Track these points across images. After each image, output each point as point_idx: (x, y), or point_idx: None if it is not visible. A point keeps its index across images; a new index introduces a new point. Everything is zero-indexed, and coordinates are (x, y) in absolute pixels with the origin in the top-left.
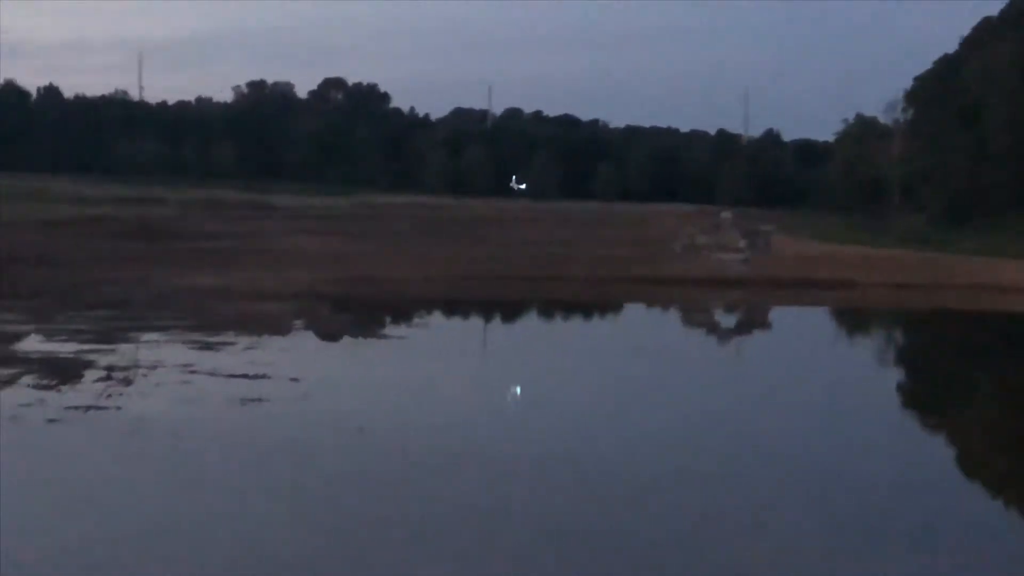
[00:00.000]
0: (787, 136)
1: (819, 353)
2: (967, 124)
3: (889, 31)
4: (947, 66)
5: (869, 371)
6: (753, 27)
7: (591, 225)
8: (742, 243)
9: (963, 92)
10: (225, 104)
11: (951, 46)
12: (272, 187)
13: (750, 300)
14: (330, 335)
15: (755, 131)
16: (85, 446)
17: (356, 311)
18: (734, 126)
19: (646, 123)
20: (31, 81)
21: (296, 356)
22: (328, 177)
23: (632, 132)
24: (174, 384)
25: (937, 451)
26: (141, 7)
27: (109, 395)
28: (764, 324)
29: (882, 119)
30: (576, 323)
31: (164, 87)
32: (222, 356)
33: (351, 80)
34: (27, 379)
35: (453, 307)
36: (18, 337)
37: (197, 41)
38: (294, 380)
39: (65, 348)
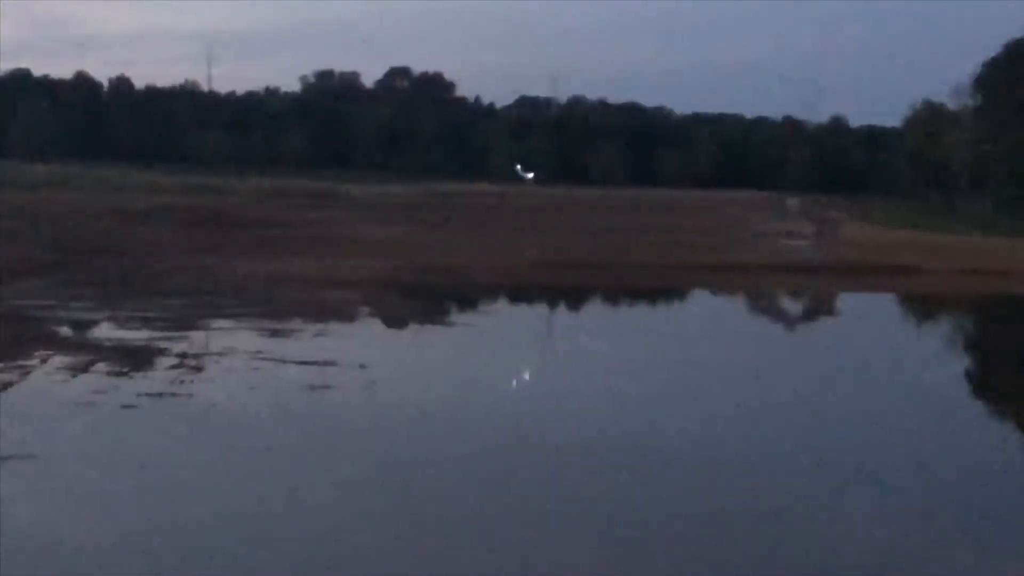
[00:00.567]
0: (854, 122)
1: (891, 339)
2: None
3: (957, 15)
4: (1016, 51)
5: (942, 357)
6: (819, 13)
7: (657, 212)
8: (809, 229)
9: None
10: (293, 94)
11: (1021, 30)
12: (339, 176)
13: (818, 286)
14: (397, 322)
15: (821, 117)
16: (158, 432)
17: (423, 298)
18: (800, 112)
19: (711, 110)
20: (103, 73)
21: (364, 343)
22: (394, 166)
23: (697, 119)
24: (244, 371)
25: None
26: None
27: (181, 382)
28: (834, 310)
29: (950, 105)
30: (643, 310)
31: (233, 78)
32: (291, 343)
33: (417, 69)
34: (101, 366)
35: (519, 294)
36: (92, 324)
37: (265, 32)
38: (362, 367)
39: (138, 335)
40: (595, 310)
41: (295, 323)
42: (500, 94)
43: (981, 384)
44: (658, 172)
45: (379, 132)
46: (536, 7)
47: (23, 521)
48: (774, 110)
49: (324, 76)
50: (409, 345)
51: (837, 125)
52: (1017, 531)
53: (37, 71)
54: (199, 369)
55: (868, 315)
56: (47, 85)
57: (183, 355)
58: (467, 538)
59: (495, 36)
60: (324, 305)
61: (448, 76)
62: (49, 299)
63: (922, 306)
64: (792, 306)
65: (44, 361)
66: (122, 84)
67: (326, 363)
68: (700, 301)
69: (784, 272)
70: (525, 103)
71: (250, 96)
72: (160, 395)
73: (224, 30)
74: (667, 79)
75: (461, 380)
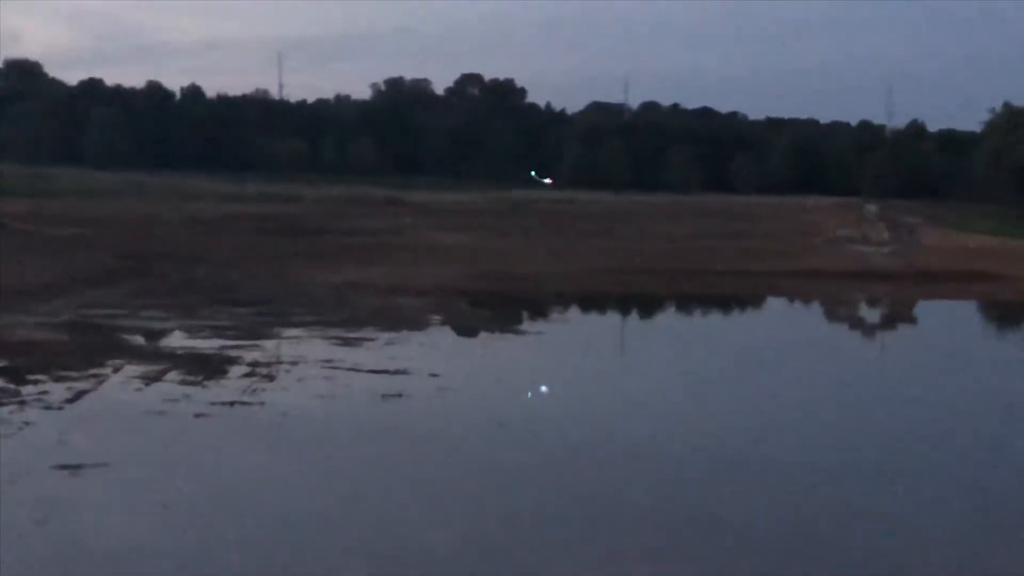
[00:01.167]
0: (931, 126)
1: (977, 349)
2: None
3: None
4: None
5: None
6: (895, 16)
7: (731, 218)
8: (887, 235)
9: None
10: (363, 101)
11: None
12: (410, 183)
13: (896, 293)
14: (468, 330)
15: (898, 122)
16: (230, 441)
17: (494, 306)
18: (876, 117)
19: (785, 115)
20: (174, 81)
21: (435, 351)
22: (465, 172)
23: (771, 124)
24: (316, 379)
25: None
26: (280, 7)
27: (253, 390)
28: (914, 318)
29: None
30: (716, 318)
31: (304, 85)
32: (362, 351)
33: (488, 76)
34: (173, 375)
35: (591, 302)
36: (164, 333)
37: (336, 39)
38: (434, 375)
39: (209, 344)
40: (668, 318)
41: (366, 331)
42: (572, 100)
43: None
44: (732, 178)
45: (450, 139)
46: (608, 11)
47: (96, 528)
48: (850, 114)
49: (394, 83)
50: (480, 354)
51: (915, 129)
52: None
53: (109, 80)
54: (271, 378)
55: (949, 323)
56: (120, 94)
57: (255, 364)
58: (533, 544)
59: (567, 41)
60: (395, 313)
61: (519, 82)
62: (122, 308)
63: (1003, 314)
64: (871, 314)
65: (117, 370)
66: (194, 93)
67: (397, 372)
68: (776, 309)
69: (861, 279)
70: (597, 109)
71: (320, 104)
72: (232, 404)
73: (295, 38)
74: (741, 83)
75: (533, 389)
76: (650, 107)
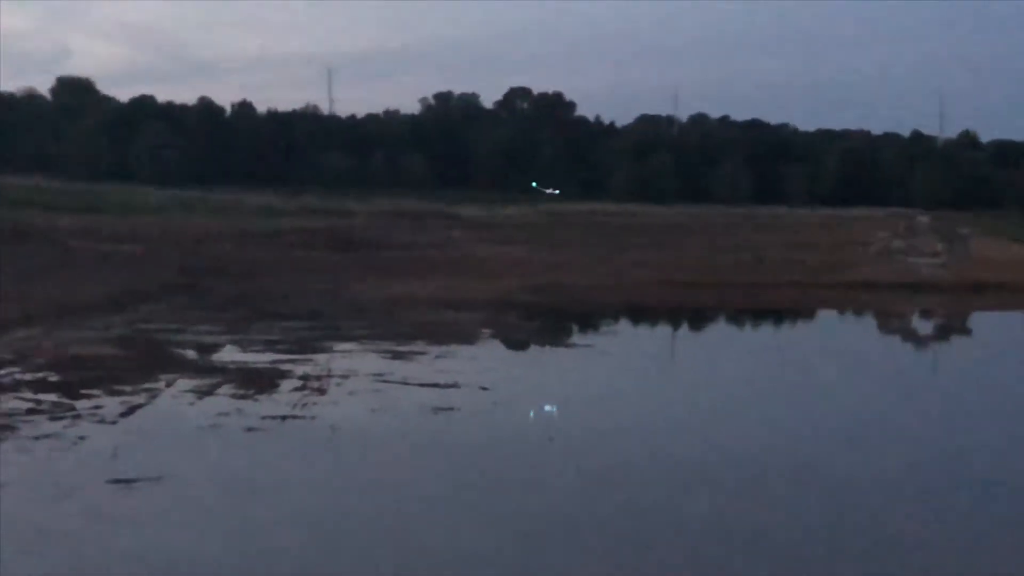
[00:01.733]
0: (985, 136)
1: None
2: None
3: None
4: None
5: None
6: (947, 25)
7: (782, 229)
8: (940, 247)
9: None
10: (412, 116)
11: None
12: (459, 197)
13: (949, 305)
14: (518, 344)
15: (951, 132)
16: (282, 455)
17: (544, 319)
18: (929, 127)
19: (836, 126)
20: (225, 98)
21: (485, 365)
22: (514, 186)
23: (822, 135)
24: (367, 393)
25: None
26: (330, 23)
27: (304, 404)
28: (967, 330)
29: None
30: (767, 330)
31: (353, 100)
32: (413, 365)
33: (536, 89)
34: (225, 389)
35: (641, 314)
36: (216, 347)
37: (385, 54)
38: (484, 389)
39: (261, 358)
40: (719, 330)
41: (416, 345)
42: (621, 113)
43: None
44: (782, 189)
45: (499, 153)
46: (657, 23)
47: (150, 542)
48: (902, 125)
49: (443, 97)
50: (530, 367)
51: (967, 140)
52: None
53: (161, 97)
54: (322, 392)
55: (1007, 336)
56: (171, 111)
57: (306, 378)
58: (584, 559)
59: (616, 54)
60: (445, 326)
61: (568, 95)
62: (174, 322)
63: None
64: (924, 326)
65: (170, 384)
66: (244, 109)
67: (448, 385)
68: (827, 321)
69: (913, 290)
70: (646, 121)
71: (370, 118)
72: (284, 418)
73: (344, 53)
74: (791, 94)
75: (583, 403)
76: (699, 119)
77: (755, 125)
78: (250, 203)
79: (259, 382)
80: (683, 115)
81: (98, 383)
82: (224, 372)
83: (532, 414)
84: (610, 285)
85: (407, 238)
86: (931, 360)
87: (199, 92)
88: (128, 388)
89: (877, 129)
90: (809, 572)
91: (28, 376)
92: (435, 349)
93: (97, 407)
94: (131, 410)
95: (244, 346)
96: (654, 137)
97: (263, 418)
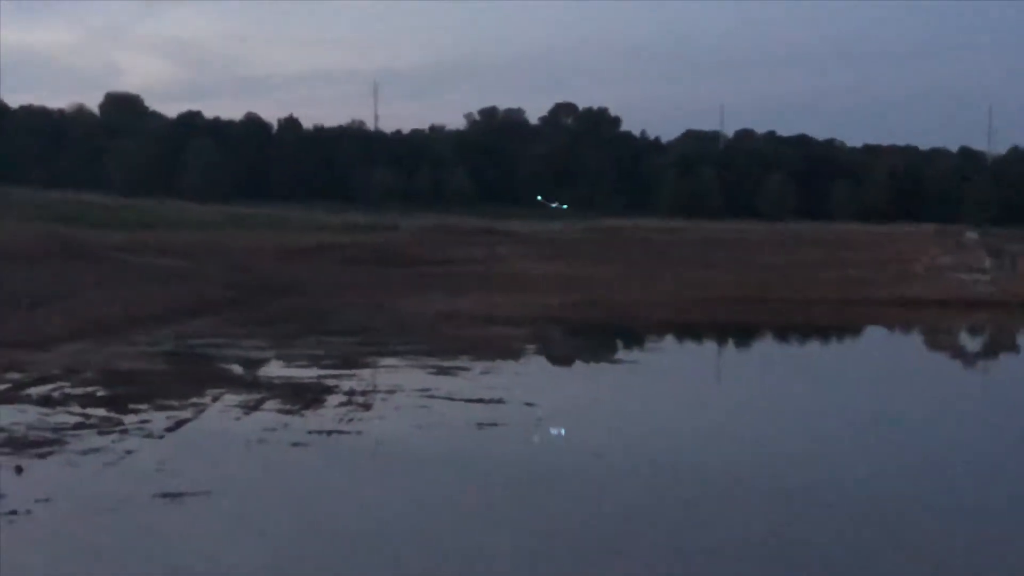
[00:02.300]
0: None
1: None
2: None
3: None
4: None
5: None
6: (994, 41)
7: (828, 246)
8: (988, 263)
9: None
10: (458, 131)
11: None
12: (504, 212)
13: (999, 322)
14: (563, 359)
15: (999, 148)
16: (328, 470)
17: (589, 335)
18: (977, 143)
19: (883, 141)
20: (272, 113)
21: (530, 381)
22: (560, 201)
23: (869, 151)
24: (412, 408)
25: None
26: (375, 39)
27: (350, 419)
28: (1017, 348)
29: None
30: (814, 347)
31: (398, 116)
32: (458, 380)
33: (582, 105)
34: (271, 404)
35: (686, 330)
36: (262, 362)
37: (430, 70)
38: (529, 404)
39: (306, 373)
40: (766, 348)
41: (461, 360)
42: (666, 128)
43: None
44: (829, 205)
45: (544, 168)
46: (703, 38)
47: (198, 556)
48: (950, 140)
49: (488, 113)
50: (575, 383)
51: (1017, 155)
52: None
53: (208, 113)
54: (367, 407)
55: None
56: (217, 126)
57: (351, 393)
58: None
59: (661, 69)
60: (490, 342)
61: (613, 111)
62: (221, 337)
63: None
64: (973, 343)
65: (216, 399)
66: (290, 124)
67: (493, 401)
68: (875, 338)
69: (961, 307)
70: (692, 137)
71: (415, 134)
72: (329, 433)
73: (389, 69)
74: (837, 110)
75: (629, 420)
76: (745, 134)
77: (801, 141)
78: (295, 219)
79: (305, 397)
80: (729, 130)
81: (145, 398)
82: (270, 387)
83: (564, 431)
84: (656, 301)
85: (452, 254)
86: (985, 380)
87: (246, 108)
88: (175, 403)
89: (925, 144)
90: None
91: (77, 390)
92: (480, 365)
93: (144, 421)
94: (178, 425)
95: (290, 361)
96: (700, 152)
97: (309, 433)
